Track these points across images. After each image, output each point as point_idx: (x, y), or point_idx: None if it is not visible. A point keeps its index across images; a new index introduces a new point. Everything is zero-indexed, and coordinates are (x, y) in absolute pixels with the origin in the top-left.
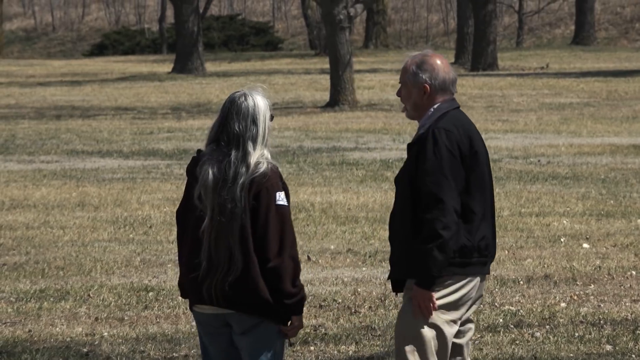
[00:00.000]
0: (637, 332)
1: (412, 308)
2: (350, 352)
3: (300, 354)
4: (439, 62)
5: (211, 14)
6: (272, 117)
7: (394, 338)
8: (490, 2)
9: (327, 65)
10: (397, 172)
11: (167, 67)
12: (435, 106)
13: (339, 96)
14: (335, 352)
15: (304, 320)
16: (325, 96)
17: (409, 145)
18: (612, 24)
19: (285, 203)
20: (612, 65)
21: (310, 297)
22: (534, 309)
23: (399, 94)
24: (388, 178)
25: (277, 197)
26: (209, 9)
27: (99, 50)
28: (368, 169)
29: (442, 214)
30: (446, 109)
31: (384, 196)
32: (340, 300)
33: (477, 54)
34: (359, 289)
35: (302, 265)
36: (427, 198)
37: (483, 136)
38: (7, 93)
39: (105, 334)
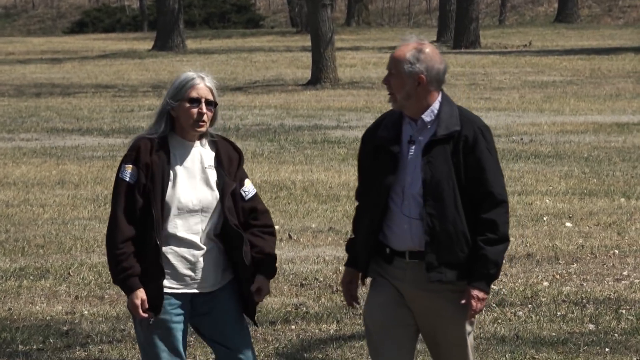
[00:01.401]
0: (620, 311)
1: (470, 311)
2: (332, 331)
3: (281, 333)
4: (433, 52)
5: None
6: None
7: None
8: None
9: (308, 43)
10: None
11: (148, 45)
12: (440, 99)
13: (320, 74)
14: (317, 330)
15: (285, 298)
16: (307, 74)
17: (435, 142)
18: (596, 1)
19: (120, 174)
20: (595, 43)
21: (291, 276)
22: (517, 288)
23: (386, 82)
24: None
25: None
26: None
27: (79, 27)
28: (350, 147)
29: (507, 216)
30: (454, 102)
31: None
32: (321, 279)
33: (459, 32)
34: (340, 268)
35: (284, 244)
36: (490, 199)
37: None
38: None
39: (86, 312)
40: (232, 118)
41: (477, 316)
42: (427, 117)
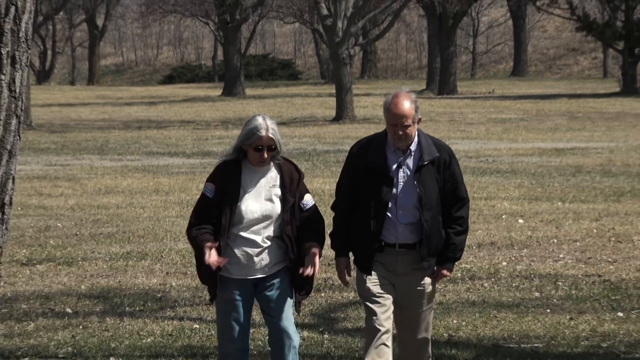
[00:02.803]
0: (557, 283)
1: (438, 276)
2: (350, 297)
3: (314, 299)
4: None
5: (250, 53)
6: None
7: (421, 329)
8: (451, 45)
9: (333, 91)
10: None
11: (218, 92)
12: (417, 132)
13: (342, 113)
14: (340, 297)
15: (317, 275)
16: (332, 113)
17: (422, 166)
18: (540, 61)
19: (204, 189)
20: (539, 91)
21: (322, 258)
22: (483, 267)
23: (404, 130)
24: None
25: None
26: (248, 49)
27: (169, 79)
28: None
29: (469, 212)
30: (423, 132)
31: None
32: None
33: (442, 83)
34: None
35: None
36: (462, 199)
37: (447, 142)
38: (103, 111)
39: (174, 284)
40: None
41: (453, 286)
42: (413, 147)
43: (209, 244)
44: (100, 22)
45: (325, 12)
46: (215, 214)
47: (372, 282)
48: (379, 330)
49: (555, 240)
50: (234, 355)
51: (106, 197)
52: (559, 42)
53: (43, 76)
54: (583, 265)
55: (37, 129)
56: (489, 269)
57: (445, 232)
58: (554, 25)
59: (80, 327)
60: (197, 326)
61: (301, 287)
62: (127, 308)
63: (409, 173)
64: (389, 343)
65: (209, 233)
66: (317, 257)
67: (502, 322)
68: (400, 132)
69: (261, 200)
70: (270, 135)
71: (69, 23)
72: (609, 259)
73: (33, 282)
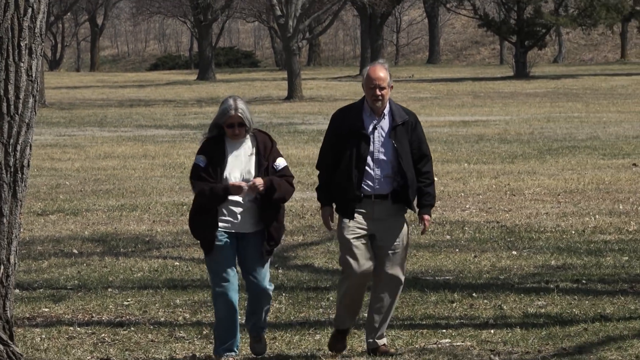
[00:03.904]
0: (464, 228)
1: (424, 225)
2: (300, 240)
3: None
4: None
5: (219, 46)
6: (223, 110)
7: (398, 261)
8: (379, 39)
9: (286, 76)
10: (321, 136)
11: (194, 77)
12: (389, 100)
13: (292, 93)
14: (291, 240)
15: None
16: (284, 93)
17: (397, 127)
18: (450, 51)
19: (195, 160)
20: (450, 75)
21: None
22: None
23: (381, 92)
24: (321, 140)
25: None
26: (217, 43)
27: (154, 67)
28: (310, 135)
29: (432, 167)
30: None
31: (317, 150)
32: (293, 210)
33: None
34: (304, 204)
35: None
36: (426, 156)
37: None
38: (102, 92)
39: (159, 230)
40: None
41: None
42: (385, 111)
43: (230, 182)
44: (99, 21)
45: (279, 12)
46: (206, 180)
47: (351, 231)
48: (355, 272)
49: (462, 194)
50: (227, 294)
51: (105, 161)
52: (465, 36)
53: (54, 64)
54: (485, 214)
55: (49, 107)
56: (410, 217)
57: (417, 186)
58: (460, 23)
59: (84, 264)
60: (178, 264)
61: (269, 238)
62: (121, 249)
63: (383, 133)
64: (364, 286)
65: (218, 184)
66: (265, 182)
67: (421, 259)
68: (378, 93)
69: (241, 166)
70: (239, 114)
71: (75, 22)
72: (505, 209)
73: (46, 228)
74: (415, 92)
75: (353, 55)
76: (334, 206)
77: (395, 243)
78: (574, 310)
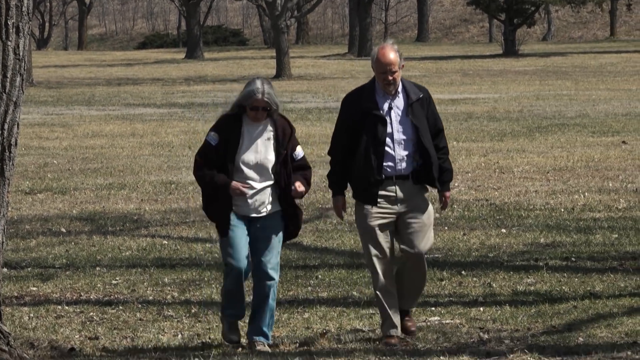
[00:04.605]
0: (453, 205)
1: (445, 202)
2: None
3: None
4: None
5: (207, 24)
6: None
7: (423, 240)
8: (368, 17)
9: (274, 54)
10: (313, 114)
11: (182, 55)
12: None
13: (281, 71)
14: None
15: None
16: (273, 71)
17: (413, 103)
18: (439, 29)
19: (207, 137)
20: (438, 53)
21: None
22: None
23: (393, 76)
24: (309, 118)
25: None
26: (205, 21)
27: (142, 45)
28: (298, 113)
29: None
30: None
31: (306, 128)
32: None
33: (360, 47)
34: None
35: None
36: (442, 131)
37: None
38: (90, 71)
39: (147, 208)
40: (231, 97)
41: None
42: (399, 89)
43: (233, 182)
44: None
45: None
46: (215, 160)
47: (373, 218)
48: (381, 260)
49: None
50: (239, 275)
51: (93, 140)
52: (454, 14)
53: (42, 43)
54: (474, 192)
55: (37, 86)
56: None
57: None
58: (449, 1)
59: (72, 243)
60: (166, 242)
61: (288, 228)
62: (109, 228)
63: (399, 112)
64: (391, 270)
65: (222, 175)
66: (303, 185)
67: None
68: (390, 78)
69: (257, 150)
70: (266, 99)
71: (63, 0)
72: (494, 187)
73: (34, 207)
74: (404, 70)
75: (341, 34)
76: (350, 193)
77: (420, 221)
78: (563, 287)
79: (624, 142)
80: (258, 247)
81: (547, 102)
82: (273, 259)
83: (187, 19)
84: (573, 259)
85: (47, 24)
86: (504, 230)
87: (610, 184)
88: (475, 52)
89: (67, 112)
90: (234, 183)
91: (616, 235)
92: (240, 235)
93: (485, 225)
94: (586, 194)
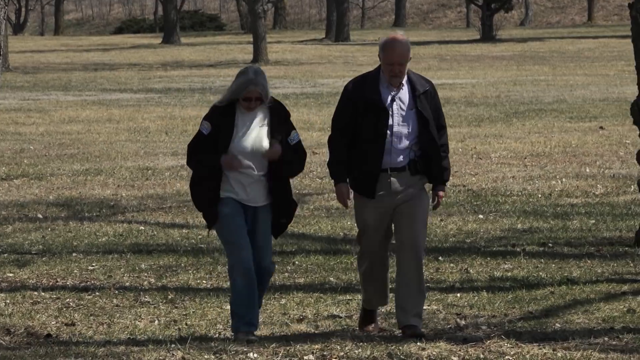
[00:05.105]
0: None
1: (438, 201)
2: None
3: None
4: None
5: (184, 9)
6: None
7: (418, 226)
8: (345, 2)
9: (251, 39)
10: (290, 100)
11: (158, 40)
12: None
13: (258, 57)
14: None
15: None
16: (250, 57)
17: (419, 95)
18: (416, 14)
19: (200, 127)
20: (415, 39)
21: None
22: None
23: (399, 69)
24: (287, 104)
25: None
26: (182, 6)
27: (119, 30)
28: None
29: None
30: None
31: None
32: None
33: (338, 32)
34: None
35: None
36: (444, 128)
37: (343, 80)
38: (66, 56)
39: (124, 194)
40: (208, 82)
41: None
42: (404, 81)
43: (223, 156)
44: None
45: None
46: (209, 149)
47: (372, 210)
48: (375, 253)
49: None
50: (244, 262)
51: (69, 125)
52: None
53: (18, 28)
54: (451, 177)
55: (13, 71)
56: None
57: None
58: None
59: (49, 229)
60: (143, 228)
61: (280, 220)
62: (86, 214)
63: (403, 105)
64: (385, 264)
65: (214, 155)
66: (278, 150)
67: None
68: (397, 70)
69: (252, 138)
70: (259, 90)
71: None
72: (472, 172)
73: (11, 193)
74: None
75: (319, 19)
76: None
77: (416, 211)
78: (541, 273)
79: (601, 127)
80: (257, 237)
81: (525, 88)
82: (270, 252)
83: (163, 4)
84: (550, 244)
85: (23, 9)
86: (481, 216)
87: (588, 170)
88: (453, 37)
89: (44, 98)
90: (225, 156)
91: (593, 221)
92: (241, 224)
93: (462, 211)
94: (563, 179)
